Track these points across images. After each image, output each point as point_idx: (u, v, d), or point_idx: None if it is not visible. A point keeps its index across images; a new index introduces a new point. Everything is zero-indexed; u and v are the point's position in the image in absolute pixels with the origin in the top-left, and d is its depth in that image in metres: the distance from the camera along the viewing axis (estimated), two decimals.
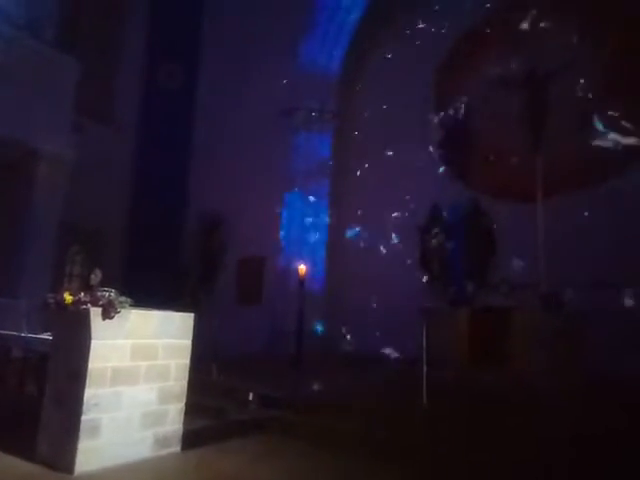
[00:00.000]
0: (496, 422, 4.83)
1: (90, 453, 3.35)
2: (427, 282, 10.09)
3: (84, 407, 3.38)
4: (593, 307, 6.95)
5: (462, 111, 10.91)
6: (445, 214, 10.26)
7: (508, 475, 3.67)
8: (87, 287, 4.44)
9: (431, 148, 11.07)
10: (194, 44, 14.21)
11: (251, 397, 5.64)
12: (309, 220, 11.61)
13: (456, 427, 4.67)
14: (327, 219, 11.77)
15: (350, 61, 12.38)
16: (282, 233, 11.59)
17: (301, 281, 9.61)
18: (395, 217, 10.83)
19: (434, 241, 10.08)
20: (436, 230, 10.15)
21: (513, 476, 3.67)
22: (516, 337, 6.74)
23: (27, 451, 3.48)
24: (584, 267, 8.46)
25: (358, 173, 11.95)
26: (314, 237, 11.55)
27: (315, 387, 6.61)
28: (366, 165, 11.82)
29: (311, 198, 11.70)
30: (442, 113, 11.31)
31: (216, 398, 5.64)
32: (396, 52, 11.93)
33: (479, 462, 3.89)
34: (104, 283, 3.78)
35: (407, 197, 10.69)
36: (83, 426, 3.35)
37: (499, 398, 5.60)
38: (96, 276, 5.15)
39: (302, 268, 9.74)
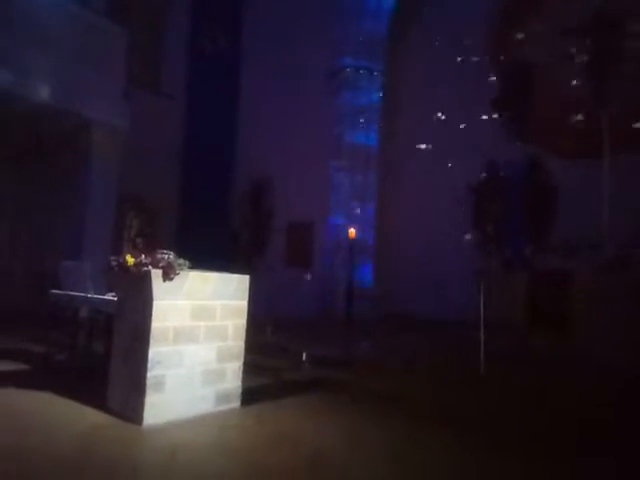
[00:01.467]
0: (558, 390, 4.68)
1: (156, 407, 3.51)
2: (481, 244, 9.78)
3: (149, 364, 3.51)
4: None
5: (521, 63, 10.21)
6: (502, 172, 9.80)
7: (570, 449, 3.55)
8: (139, 250, 4.58)
9: (488, 104, 10.49)
10: (238, 8, 13.99)
11: (304, 357, 5.74)
12: (358, 182, 11.44)
13: (516, 395, 4.56)
14: (376, 181, 11.56)
15: (398, 17, 11.80)
16: (331, 196, 11.51)
17: (351, 244, 9.60)
18: (449, 176, 10.47)
19: (489, 201, 9.69)
20: (492, 189, 9.73)
21: (575, 450, 3.54)
22: (578, 301, 6.43)
23: (99, 404, 3.70)
24: None
25: (409, 132, 11.57)
26: (363, 200, 11.40)
27: (368, 349, 6.65)
28: (417, 123, 11.41)
29: (361, 159, 11.49)
30: (500, 67, 10.64)
31: (271, 358, 5.79)
32: (449, 5, 11.24)
33: (539, 432, 3.79)
34: (161, 247, 3.87)
35: (462, 155, 10.27)
36: (149, 382, 3.50)
37: (560, 365, 5.42)
38: (139, 243, 5.33)
39: (352, 231, 9.70)
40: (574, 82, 9.55)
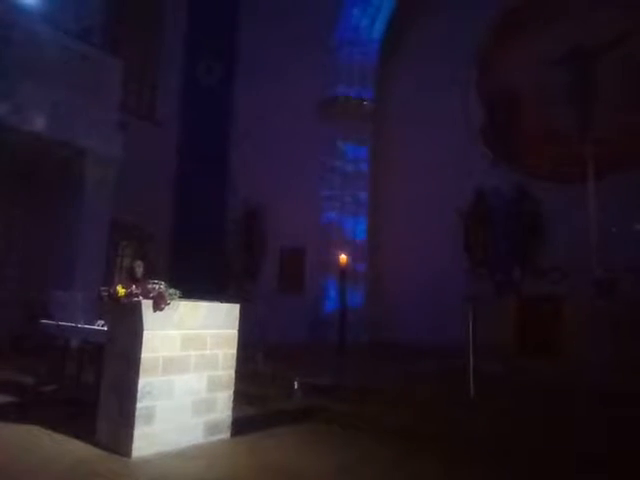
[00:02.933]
0: (548, 416, 4.69)
1: (146, 438, 3.49)
2: (471, 269, 9.88)
3: (139, 395, 3.51)
4: None
5: (506, 91, 10.51)
6: (490, 198, 9.98)
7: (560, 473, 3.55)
8: (134, 279, 4.60)
9: (473, 131, 10.75)
10: (231, 39, 14.37)
11: (296, 385, 5.70)
12: (350, 209, 11.56)
13: (505, 422, 4.56)
14: (367, 208, 11.69)
15: (387, 47, 12.16)
16: (323, 222, 11.60)
17: (342, 270, 9.64)
18: (438, 203, 10.61)
19: (478, 226, 9.84)
20: (480, 215, 9.89)
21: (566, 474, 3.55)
22: (568, 326, 6.49)
23: (87, 436, 3.66)
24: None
25: (398, 159, 11.77)
26: (355, 226, 11.50)
27: (360, 376, 6.62)
28: (406, 150, 11.62)
29: (351, 186, 11.64)
30: (485, 95, 10.95)
31: (262, 386, 5.76)
32: (435, 36, 11.62)
33: (529, 458, 3.79)
34: (152, 275, 3.91)
35: (450, 182, 10.45)
36: (138, 413, 3.49)
37: (551, 391, 5.44)
38: (139, 267, 5.33)
39: (343, 257, 9.76)
40: (559, 109, 9.83)
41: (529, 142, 10.13)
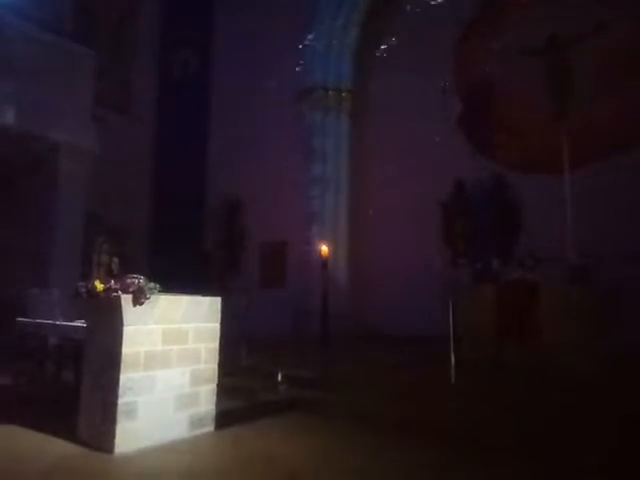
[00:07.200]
0: (528, 400, 4.80)
1: (128, 434, 3.46)
2: (452, 259, 9.99)
3: (120, 391, 3.47)
4: (624, 280, 6.78)
5: (483, 82, 10.60)
6: (468, 189, 10.10)
7: (541, 458, 3.64)
8: (112, 275, 4.54)
9: (452, 122, 10.83)
10: (207, 30, 14.17)
11: (280, 378, 5.71)
12: (330, 200, 11.57)
13: (487, 406, 4.66)
14: (348, 199, 11.72)
15: (366, 36, 12.14)
16: (303, 214, 11.58)
17: (324, 262, 9.65)
18: (417, 194, 10.68)
19: (458, 217, 9.95)
20: (459, 206, 10.00)
21: (549, 459, 3.64)
22: (545, 311, 6.63)
23: (68, 433, 3.61)
24: (614, 239, 8.24)
25: (377, 150, 11.79)
26: (336, 218, 11.51)
27: (343, 367, 6.67)
28: (385, 142, 11.65)
29: (331, 178, 11.64)
30: (462, 85, 11.03)
31: (246, 380, 5.75)
32: (413, 24, 11.63)
33: (510, 443, 3.87)
34: (131, 270, 3.86)
35: (429, 173, 10.53)
36: (120, 409, 3.46)
37: (530, 375, 5.56)
38: (115, 264, 5.27)
39: (324, 249, 9.77)
40: (535, 99, 9.95)
41: (506, 133, 10.26)
